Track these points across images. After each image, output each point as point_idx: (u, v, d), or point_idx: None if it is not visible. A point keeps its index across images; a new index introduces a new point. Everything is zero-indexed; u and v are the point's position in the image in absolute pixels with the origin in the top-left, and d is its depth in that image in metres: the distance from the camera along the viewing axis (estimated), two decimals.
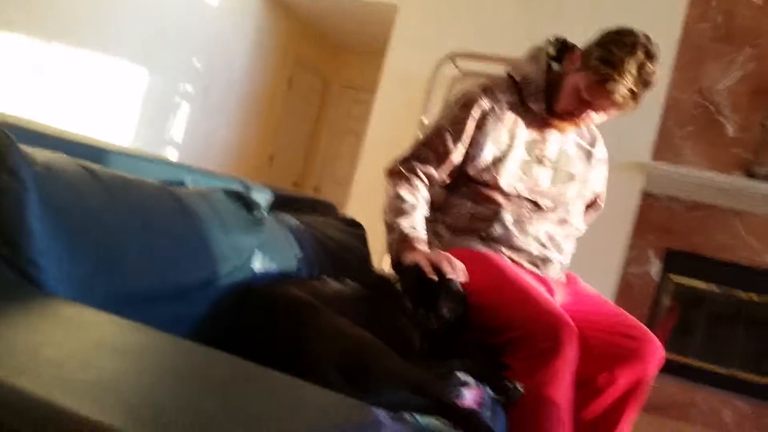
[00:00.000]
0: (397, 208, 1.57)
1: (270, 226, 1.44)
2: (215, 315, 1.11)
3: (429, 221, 1.74)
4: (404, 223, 1.51)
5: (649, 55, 1.51)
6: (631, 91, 1.49)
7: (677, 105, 3.86)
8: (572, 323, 1.38)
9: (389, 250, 1.55)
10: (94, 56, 3.89)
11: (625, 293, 3.92)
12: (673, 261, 3.87)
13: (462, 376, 1.30)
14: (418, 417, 1.02)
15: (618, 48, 1.50)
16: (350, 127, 6.17)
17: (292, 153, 6.30)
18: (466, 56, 3.94)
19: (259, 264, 1.31)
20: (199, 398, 0.53)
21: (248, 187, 1.58)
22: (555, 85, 1.63)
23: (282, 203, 1.78)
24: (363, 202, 4.38)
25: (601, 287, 3.87)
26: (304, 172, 6.57)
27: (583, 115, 1.60)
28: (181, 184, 1.32)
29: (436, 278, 1.34)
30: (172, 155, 4.64)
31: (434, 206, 1.74)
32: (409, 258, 1.42)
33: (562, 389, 1.35)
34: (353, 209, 4.10)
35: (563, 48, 1.70)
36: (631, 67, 1.47)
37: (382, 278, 1.50)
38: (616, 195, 3.90)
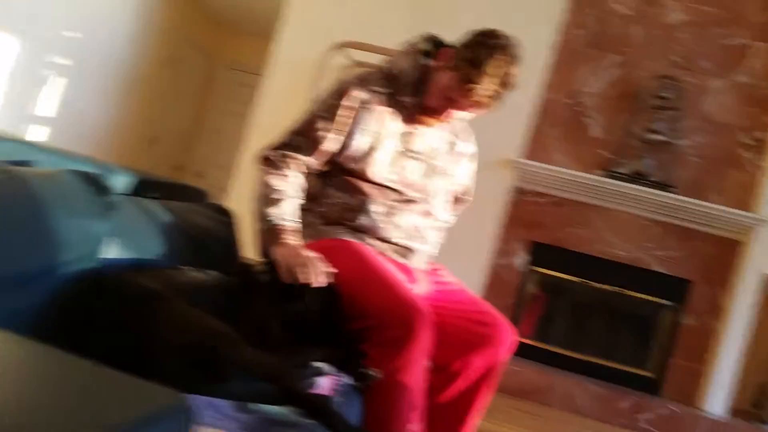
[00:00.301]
0: (266, 197, 1.56)
1: (126, 211, 1.39)
2: (60, 305, 1.07)
3: (303, 210, 1.75)
4: (273, 213, 1.51)
5: (512, 58, 1.59)
6: (491, 92, 1.57)
7: (549, 106, 4.09)
8: (426, 311, 1.44)
9: (257, 239, 1.55)
10: None
11: (494, 283, 4.12)
12: (538, 253, 4.12)
13: (319, 365, 1.33)
14: (266, 407, 1.04)
15: (482, 49, 1.58)
16: (235, 110, 6.00)
17: (174, 136, 6.06)
18: (356, 46, 3.97)
19: (111, 252, 1.27)
20: (5, 393, 0.52)
21: (107, 170, 1.51)
22: (425, 81, 1.68)
23: (149, 188, 1.72)
24: (246, 188, 4.30)
25: (472, 277, 4.07)
26: (187, 156, 6.35)
27: (449, 111, 1.67)
28: (27, 164, 1.25)
29: (290, 282, 1.36)
30: (41, 134, 4.33)
31: (309, 196, 1.75)
32: (276, 254, 1.43)
33: (414, 374, 1.42)
34: (236, 195, 4.03)
35: (436, 45, 1.76)
36: (493, 68, 1.55)
37: (245, 267, 1.49)
38: (488, 189, 4.10)
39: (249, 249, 2.86)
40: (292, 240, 1.49)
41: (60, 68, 4.37)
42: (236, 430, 0.90)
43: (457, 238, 4.07)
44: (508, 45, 1.60)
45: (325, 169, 1.70)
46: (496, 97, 1.59)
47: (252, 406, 1.02)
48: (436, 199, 1.81)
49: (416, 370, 1.42)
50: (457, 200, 1.99)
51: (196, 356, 1.03)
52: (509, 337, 1.73)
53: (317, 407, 1.08)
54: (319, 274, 1.40)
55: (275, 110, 4.38)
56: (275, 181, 1.58)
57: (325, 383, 1.25)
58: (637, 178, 3.88)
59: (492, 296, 4.09)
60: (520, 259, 4.12)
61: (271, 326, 1.37)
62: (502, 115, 4.00)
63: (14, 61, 4.00)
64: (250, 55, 5.69)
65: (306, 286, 1.44)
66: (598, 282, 4.10)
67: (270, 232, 1.50)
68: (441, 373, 1.74)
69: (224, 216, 1.82)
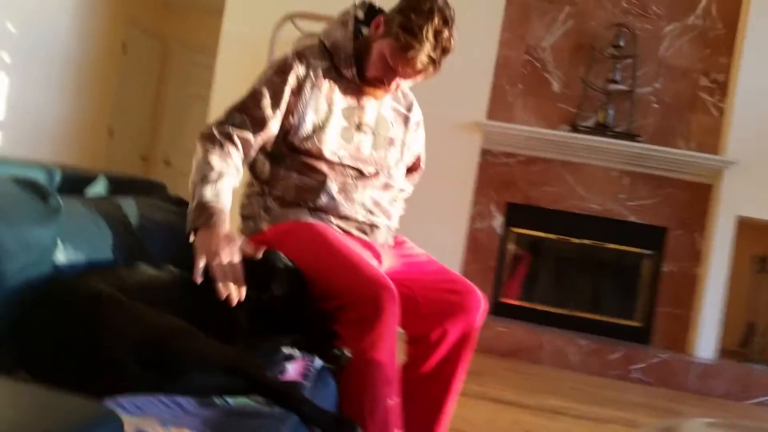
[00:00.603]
0: (203, 175, 1.48)
1: (75, 214, 1.35)
2: (7, 315, 1.03)
3: (258, 195, 1.72)
4: (207, 192, 1.44)
5: (446, 21, 1.55)
6: (430, 57, 1.54)
7: (507, 63, 4.06)
8: (392, 286, 1.43)
9: (187, 218, 1.45)
10: None
11: (473, 247, 4.14)
12: (514, 214, 4.14)
13: (288, 350, 1.32)
14: (229, 399, 1.02)
15: (416, 15, 1.53)
16: (196, 92, 5.85)
17: (136, 124, 5.93)
18: (304, 17, 3.88)
19: (63, 256, 1.23)
20: None
21: (54, 173, 1.46)
22: (364, 52, 1.64)
23: (110, 186, 1.68)
24: None
25: (451, 243, 4.08)
26: (151, 144, 6.23)
27: (392, 81, 1.63)
28: None
29: (199, 281, 1.30)
30: None
31: (261, 180, 1.71)
32: (199, 236, 1.37)
33: (386, 350, 1.41)
34: None
35: (371, 12, 1.71)
36: (429, 33, 1.51)
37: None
38: (457, 154, 4.09)
39: None
40: (220, 222, 1.41)
41: (3, 65, 4.23)
42: (199, 426, 0.88)
43: (433, 206, 4.09)
44: (442, 8, 1.56)
45: (277, 151, 1.66)
46: (435, 62, 1.56)
47: (216, 399, 1.00)
48: (393, 171, 1.78)
49: (387, 346, 1.41)
50: (411, 169, 1.97)
51: (150, 355, 1.00)
52: (481, 302, 1.74)
53: (283, 394, 1.06)
54: (234, 281, 1.32)
55: (234, 89, 4.28)
56: (215, 159, 1.50)
57: (294, 369, 1.24)
58: (602, 130, 3.89)
59: (473, 260, 4.12)
60: (497, 221, 4.14)
61: (236, 316, 1.35)
62: (464, 78, 4.02)
63: None
64: (204, 33, 5.55)
65: (270, 272, 1.42)
66: (577, 237, 4.14)
67: (198, 211, 1.42)
68: (420, 345, 1.74)
69: (184, 208, 1.77)
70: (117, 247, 1.40)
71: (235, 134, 1.56)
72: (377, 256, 1.68)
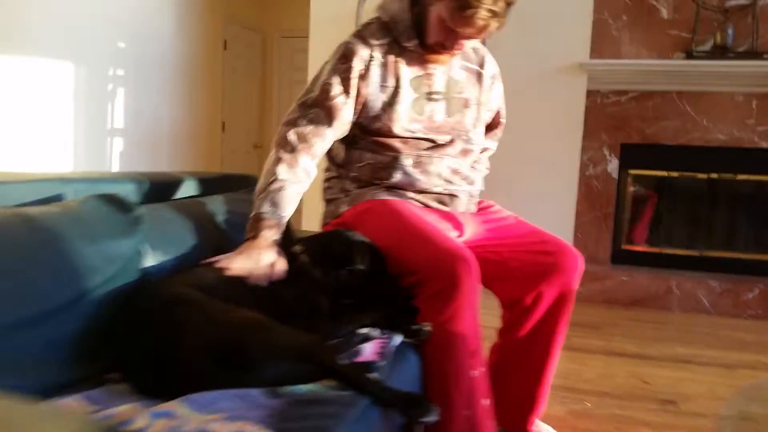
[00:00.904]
0: (265, 186, 1.49)
1: (163, 218, 1.44)
2: (98, 323, 1.13)
3: (336, 179, 1.74)
4: (265, 205, 1.45)
5: None
6: (491, 11, 1.45)
7: None
8: (469, 257, 1.40)
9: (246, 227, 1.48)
10: (14, 61, 3.80)
11: (587, 195, 3.95)
12: (630, 155, 3.88)
13: (365, 330, 1.34)
14: (300, 387, 1.06)
15: None
16: (298, 78, 6.04)
17: (245, 116, 6.21)
18: None
19: (151, 261, 1.33)
20: None
21: (143, 183, 1.56)
22: (423, 19, 1.58)
23: (200, 186, 1.79)
24: None
25: (564, 193, 3.92)
26: (262, 133, 6.50)
27: (456, 44, 1.57)
28: (59, 198, 1.32)
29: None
30: (117, 144, 4.59)
31: (337, 163, 1.73)
32: (245, 245, 1.39)
33: (466, 321, 1.39)
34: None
35: None
36: None
37: (285, 249, 1.49)
38: (562, 100, 3.90)
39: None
40: (269, 235, 1.42)
41: (119, 79, 4.58)
42: (265, 418, 0.92)
43: (540, 156, 3.95)
44: None
45: (350, 133, 1.66)
46: (497, 15, 1.46)
47: (284, 389, 1.04)
48: (472, 134, 1.73)
49: (468, 318, 1.39)
50: (492, 126, 1.90)
51: (221, 352, 1.05)
52: (576, 261, 1.66)
53: (353, 377, 1.08)
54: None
55: None
56: (280, 170, 1.50)
57: (369, 348, 1.25)
58: (721, 52, 3.51)
59: (588, 209, 3.94)
60: (612, 164, 3.90)
61: (317, 300, 1.38)
62: (562, 16, 3.79)
63: (75, 83, 4.23)
64: (298, 19, 5.65)
65: (348, 247, 1.44)
66: (704, 172, 3.81)
67: (253, 222, 1.44)
68: (515, 309, 1.71)
69: None
70: (203, 246, 1.47)
71: (310, 134, 1.55)
72: (458, 226, 1.65)
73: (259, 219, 1.44)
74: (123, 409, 0.94)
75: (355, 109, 1.60)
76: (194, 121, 5.37)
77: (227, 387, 1.01)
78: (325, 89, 1.58)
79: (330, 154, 1.74)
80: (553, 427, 1.86)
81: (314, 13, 4.24)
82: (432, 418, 1.08)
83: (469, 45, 1.62)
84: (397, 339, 1.34)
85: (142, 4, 4.72)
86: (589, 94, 3.87)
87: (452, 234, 1.60)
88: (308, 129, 1.56)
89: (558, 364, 2.42)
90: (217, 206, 1.66)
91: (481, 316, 1.45)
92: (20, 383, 0.95)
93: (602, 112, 3.87)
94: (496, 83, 1.83)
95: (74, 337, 1.08)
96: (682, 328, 3.23)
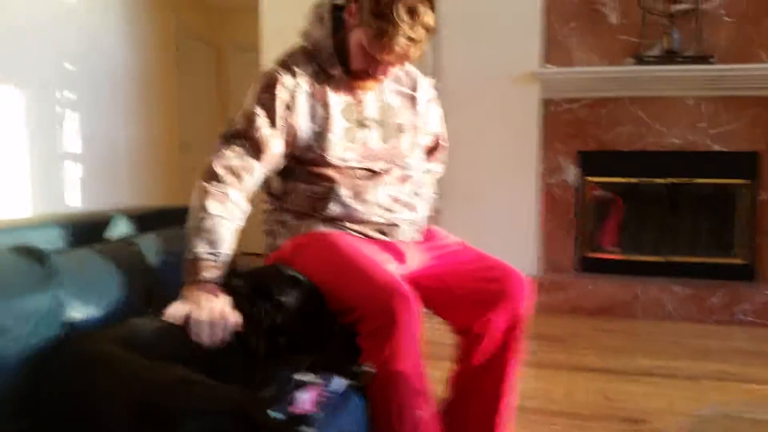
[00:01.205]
0: (198, 224, 1.42)
1: (87, 264, 1.37)
2: (13, 391, 1.06)
3: (273, 211, 1.68)
4: (199, 245, 1.38)
5: None
6: (410, 38, 1.41)
7: (556, 3, 3.79)
8: (407, 291, 1.35)
9: (182, 269, 1.41)
10: None
11: (549, 204, 3.95)
12: (588, 162, 3.90)
13: (301, 376, 1.28)
14: None
15: None
16: None
17: (205, 136, 6.09)
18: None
19: (74, 313, 1.26)
20: None
21: (66, 226, 1.49)
22: (345, 46, 1.54)
23: (134, 223, 1.72)
24: None
25: (524, 204, 3.91)
26: None
27: (378, 71, 1.52)
28: None
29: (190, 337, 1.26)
30: (73, 170, 4.46)
31: (274, 195, 1.68)
32: (187, 290, 1.33)
33: (408, 359, 1.34)
34: None
35: None
36: (401, 12, 1.39)
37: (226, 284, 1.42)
38: (515, 109, 3.89)
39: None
40: (209, 278, 1.36)
41: (69, 102, 4.45)
42: None
43: (498, 168, 3.93)
44: None
45: (285, 165, 1.61)
46: (416, 42, 1.43)
47: None
48: (410, 159, 1.69)
49: (409, 354, 1.34)
50: (434, 149, 1.86)
51: (145, 410, 1.00)
52: (523, 287, 1.63)
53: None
54: (219, 334, 1.28)
55: None
56: (211, 205, 1.43)
57: (307, 397, 1.20)
58: (670, 57, 3.55)
59: (551, 218, 3.94)
60: (570, 173, 3.91)
61: (251, 344, 1.33)
62: (510, 25, 3.79)
63: (26, 107, 4.10)
64: (251, 31, 5.57)
65: (277, 282, 1.38)
66: (660, 177, 3.84)
67: (191, 266, 1.38)
68: (466, 337, 1.68)
69: None
70: (133, 292, 1.41)
71: (238, 167, 1.48)
72: (400, 256, 1.61)
73: (196, 260, 1.37)
74: None
75: (284, 141, 1.54)
76: (152, 140, 5.25)
77: None
78: (250, 120, 1.52)
79: (267, 185, 1.68)
80: None
81: (265, 28, 4.19)
82: None
83: (396, 70, 1.58)
84: (338, 383, 1.29)
85: (89, 21, 4.60)
86: (544, 102, 3.88)
87: (392, 265, 1.56)
88: (236, 162, 1.49)
89: (527, 383, 2.41)
90: (150, 245, 1.59)
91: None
92: None
93: (557, 120, 3.88)
94: (432, 106, 1.79)
95: None
96: (647, 338, 3.23)
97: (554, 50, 3.82)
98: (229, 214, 1.44)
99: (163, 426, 1.00)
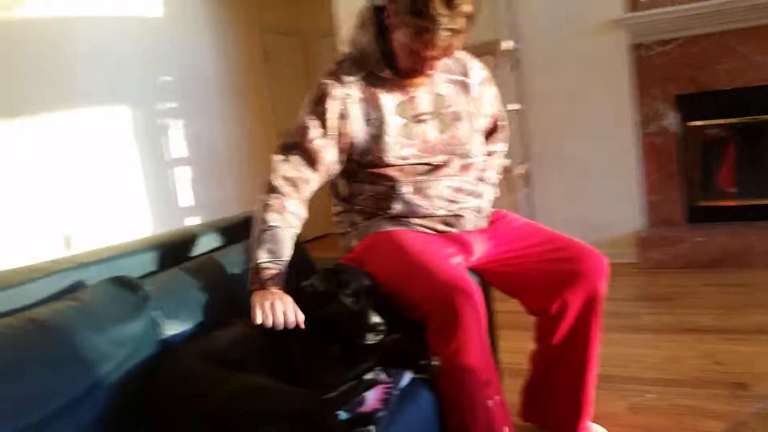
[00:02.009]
0: (259, 235, 1.51)
1: (176, 284, 1.51)
2: (120, 407, 1.22)
3: (343, 213, 1.75)
4: (261, 254, 1.47)
5: None
6: (450, 29, 1.41)
7: None
8: (469, 286, 1.38)
9: (247, 277, 1.51)
10: (68, 116, 4.05)
11: (650, 155, 3.78)
12: (688, 106, 3.66)
13: (371, 375, 1.36)
14: None
15: None
16: None
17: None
18: None
19: (169, 330, 1.40)
20: None
21: (157, 248, 1.63)
22: (390, 46, 1.56)
23: (214, 238, 1.85)
24: None
25: (624, 157, 3.75)
26: None
27: (426, 65, 1.53)
28: (80, 284, 1.41)
29: (270, 326, 1.35)
30: (180, 174, 4.81)
31: (342, 198, 1.75)
32: (254, 296, 1.42)
33: (474, 353, 1.38)
34: None
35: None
36: (439, 7, 1.39)
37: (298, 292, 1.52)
38: (602, 59, 3.73)
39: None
40: (273, 284, 1.45)
41: (171, 111, 4.78)
42: None
43: (592, 125, 3.79)
44: None
45: (349, 167, 1.66)
46: (458, 32, 1.43)
47: None
48: (469, 145, 1.69)
49: (475, 347, 1.38)
50: (493, 131, 1.86)
51: (221, 421, 1.11)
52: (597, 263, 1.62)
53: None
54: (291, 321, 1.37)
55: None
56: (270, 216, 1.51)
57: (373, 396, 1.27)
58: None
59: (654, 170, 3.75)
60: (670, 119, 3.70)
61: (326, 348, 1.41)
62: None
63: (136, 121, 4.46)
64: (329, 17, 5.65)
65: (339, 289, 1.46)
66: (766, 113, 3.53)
67: (254, 274, 1.47)
68: (543, 318, 1.70)
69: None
70: (220, 305, 1.53)
71: (294, 178, 1.56)
72: (466, 247, 1.63)
73: (259, 269, 1.47)
74: None
75: (339, 149, 1.60)
76: (255, 139, 5.52)
77: None
78: (303, 132, 1.58)
79: (335, 189, 1.76)
80: (610, 424, 1.83)
81: (338, 10, 4.27)
82: None
83: (443, 62, 1.58)
84: (406, 378, 1.35)
85: (179, 34, 4.88)
86: (633, 48, 3.68)
87: (458, 258, 1.59)
88: (292, 173, 1.56)
89: (621, 351, 2.36)
90: (234, 256, 1.72)
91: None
92: None
93: (650, 64, 3.67)
94: (487, 88, 1.78)
95: (97, 421, 1.17)
96: (763, 291, 2.99)
97: None
98: (286, 224, 1.53)
99: None
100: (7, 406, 1.04)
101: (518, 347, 1.91)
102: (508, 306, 1.85)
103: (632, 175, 3.81)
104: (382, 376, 1.34)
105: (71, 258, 1.50)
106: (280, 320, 1.35)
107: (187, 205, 4.89)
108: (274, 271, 1.46)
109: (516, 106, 3.88)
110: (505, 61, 3.85)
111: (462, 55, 1.74)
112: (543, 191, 4.01)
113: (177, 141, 4.82)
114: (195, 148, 4.94)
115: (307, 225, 1.61)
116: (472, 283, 1.41)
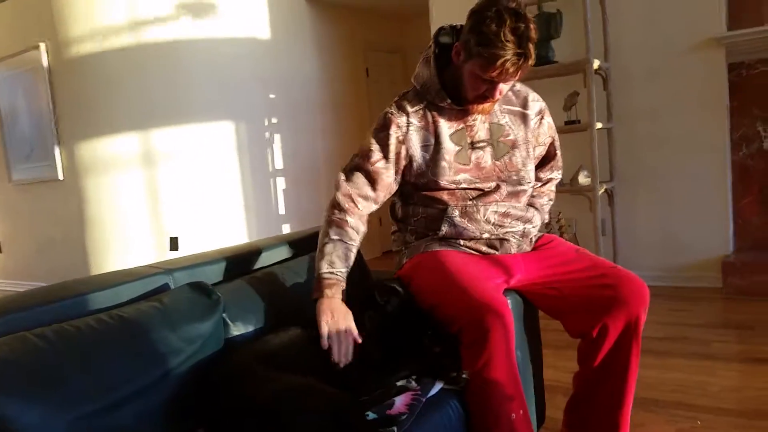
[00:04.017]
0: (321, 249, 1.68)
1: (242, 292, 1.72)
2: (183, 395, 1.42)
3: (398, 232, 1.91)
4: (323, 266, 1.63)
5: (517, 14, 1.53)
6: (519, 54, 1.53)
7: None
8: (500, 308, 1.49)
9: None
10: (184, 130, 4.51)
11: (742, 177, 3.63)
12: None
13: (403, 382, 1.50)
14: None
15: (486, 26, 1.53)
16: None
17: None
18: None
19: (234, 331, 1.62)
20: None
21: (234, 258, 1.86)
22: (458, 80, 1.69)
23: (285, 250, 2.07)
24: None
25: (714, 178, 3.64)
26: None
27: (495, 91, 1.65)
28: (165, 287, 1.66)
29: (326, 345, 1.51)
30: (280, 184, 5.16)
31: (397, 218, 1.90)
32: (320, 303, 1.58)
33: (501, 369, 1.48)
34: None
35: (453, 35, 1.75)
36: (507, 35, 1.51)
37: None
38: (698, 78, 3.63)
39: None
40: (334, 293, 1.60)
41: (274, 126, 5.14)
42: None
43: (686, 142, 3.70)
44: (506, 4, 1.53)
45: (405, 190, 1.82)
46: (525, 56, 1.54)
47: None
48: (524, 172, 1.80)
49: (501, 365, 1.48)
50: (548, 157, 1.95)
51: (267, 415, 1.29)
52: (638, 291, 1.67)
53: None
54: (344, 347, 1.51)
55: None
56: (332, 230, 1.68)
57: (401, 400, 1.41)
58: None
59: (745, 193, 3.60)
60: (766, 140, 3.54)
61: (368, 351, 1.57)
62: None
63: (237, 137, 4.85)
64: (427, 35, 5.83)
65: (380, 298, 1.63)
66: None
67: (317, 283, 1.63)
68: (584, 341, 1.76)
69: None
70: (282, 310, 1.73)
71: (355, 196, 1.73)
72: (508, 269, 1.73)
73: (320, 279, 1.64)
74: None
75: (396, 171, 1.76)
76: (344, 151, 5.80)
77: None
78: (368, 155, 1.75)
79: (393, 210, 1.92)
80: None
81: (433, 30, 4.40)
82: None
83: (505, 88, 1.69)
84: (436, 387, 1.49)
85: (286, 55, 5.24)
86: (732, 66, 3.56)
87: (499, 281, 1.69)
88: (354, 191, 1.74)
89: (682, 376, 2.34)
90: (301, 266, 1.92)
91: None
92: None
93: (750, 83, 3.53)
94: (544, 119, 1.87)
95: (162, 407, 1.38)
96: None
97: (738, 11, 3.48)
98: (347, 238, 1.69)
99: (281, 426, 1.30)
100: (87, 387, 1.26)
101: (570, 366, 1.97)
102: (559, 325, 1.92)
103: (722, 198, 3.67)
104: (413, 384, 1.48)
105: (159, 264, 1.76)
106: (342, 359, 1.50)
107: (282, 213, 5.24)
108: (332, 281, 1.63)
109: (603, 125, 3.86)
110: (596, 80, 3.84)
111: (522, 88, 1.86)
112: (626, 211, 3.95)
113: (277, 154, 5.18)
114: (291, 160, 5.27)
115: (383, 241, 1.79)
116: (504, 302, 1.52)
